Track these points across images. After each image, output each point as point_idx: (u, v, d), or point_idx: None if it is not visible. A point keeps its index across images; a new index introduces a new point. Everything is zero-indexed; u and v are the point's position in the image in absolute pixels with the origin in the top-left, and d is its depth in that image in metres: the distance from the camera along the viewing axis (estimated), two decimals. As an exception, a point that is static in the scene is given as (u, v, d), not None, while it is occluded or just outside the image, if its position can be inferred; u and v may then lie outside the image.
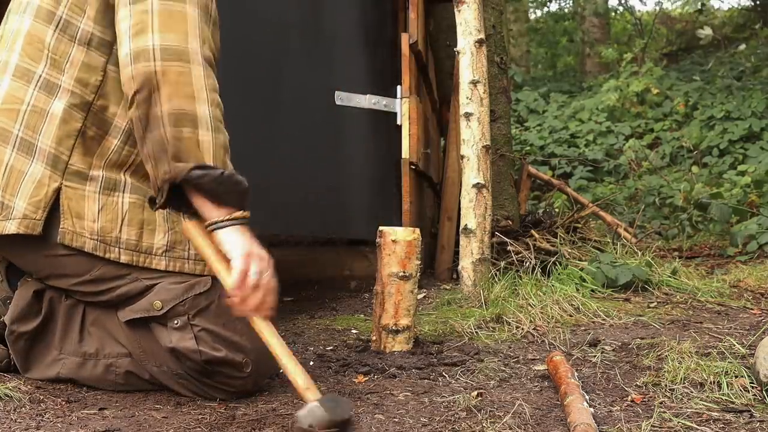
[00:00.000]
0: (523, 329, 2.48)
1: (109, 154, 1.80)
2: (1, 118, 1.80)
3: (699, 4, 10.37)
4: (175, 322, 1.77)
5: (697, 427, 1.53)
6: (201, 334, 1.77)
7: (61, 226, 1.75)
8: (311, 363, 2.14)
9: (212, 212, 1.64)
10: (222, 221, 1.64)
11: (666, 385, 1.80)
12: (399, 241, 2.21)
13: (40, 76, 1.80)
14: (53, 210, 1.76)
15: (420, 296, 3.09)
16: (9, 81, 1.83)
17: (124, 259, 1.77)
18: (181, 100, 1.64)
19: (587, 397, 1.69)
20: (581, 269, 3.08)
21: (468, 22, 3.26)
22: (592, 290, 2.98)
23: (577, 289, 2.87)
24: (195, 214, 1.68)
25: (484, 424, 1.56)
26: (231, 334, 1.79)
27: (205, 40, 1.72)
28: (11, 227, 1.74)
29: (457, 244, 3.47)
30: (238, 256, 1.61)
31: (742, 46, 10.84)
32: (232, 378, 1.80)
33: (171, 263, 1.80)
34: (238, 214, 1.65)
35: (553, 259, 3.17)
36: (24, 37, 1.84)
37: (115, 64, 1.79)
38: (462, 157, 3.24)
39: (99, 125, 1.80)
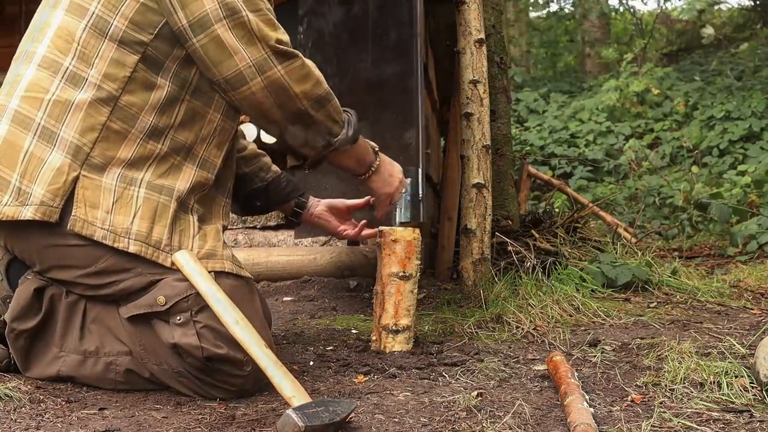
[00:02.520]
0: (523, 329, 2.48)
1: (132, 149, 1.82)
2: (24, 105, 1.82)
3: (699, 6, 10.38)
4: (178, 318, 1.78)
5: (697, 427, 1.53)
6: (203, 331, 1.77)
7: (72, 214, 1.76)
8: (311, 363, 2.14)
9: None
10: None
11: (666, 385, 1.80)
12: (399, 241, 2.21)
13: (67, 68, 1.82)
14: (68, 199, 1.77)
15: (420, 296, 3.09)
16: (35, 70, 1.85)
17: (132, 249, 1.78)
18: (313, 88, 1.89)
19: (587, 397, 1.69)
20: (581, 269, 3.08)
21: (468, 22, 3.26)
22: (592, 290, 2.98)
23: (577, 289, 2.87)
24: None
25: (484, 424, 1.56)
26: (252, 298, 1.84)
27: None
28: (27, 213, 1.75)
29: (457, 244, 3.47)
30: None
31: (744, 46, 10.85)
32: (233, 376, 1.80)
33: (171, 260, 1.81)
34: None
35: (553, 259, 3.17)
36: (54, 30, 1.86)
37: (146, 63, 1.82)
38: (462, 157, 3.24)
39: (124, 120, 1.82)
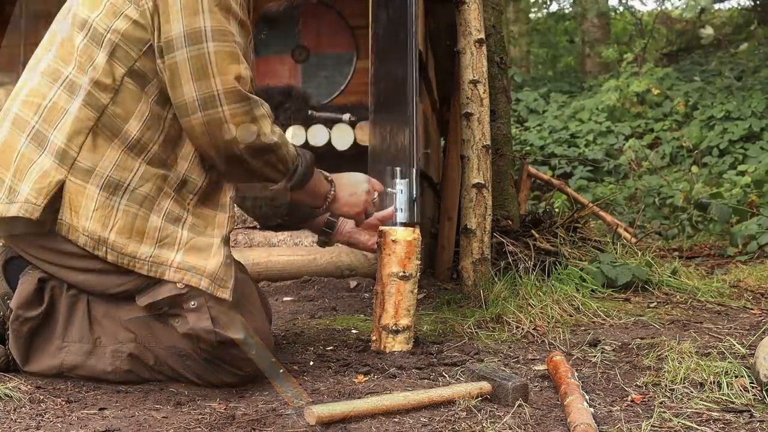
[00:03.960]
0: (523, 329, 2.48)
1: (116, 158, 1.85)
2: (23, 108, 1.88)
3: (699, 8, 10.37)
4: (192, 303, 1.82)
5: (697, 427, 1.53)
6: (216, 315, 1.82)
7: (59, 218, 1.80)
8: (311, 363, 2.14)
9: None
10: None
11: (666, 385, 1.81)
12: (399, 241, 2.21)
13: (67, 77, 1.87)
14: (52, 199, 1.80)
15: (420, 296, 3.09)
16: (38, 77, 1.90)
17: (110, 258, 1.81)
18: (253, 137, 1.85)
19: (587, 397, 1.69)
20: (581, 269, 3.08)
21: (468, 22, 3.26)
22: (592, 290, 2.98)
23: (577, 289, 2.87)
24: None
25: (484, 424, 1.56)
26: (241, 317, 1.86)
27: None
28: (13, 210, 1.79)
29: (457, 244, 3.47)
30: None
31: (743, 46, 10.84)
32: (241, 360, 1.85)
33: (153, 268, 1.82)
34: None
35: (553, 259, 3.17)
36: (60, 39, 1.92)
37: (133, 77, 1.85)
38: (462, 157, 3.24)
39: (110, 128, 1.85)
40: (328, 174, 2.16)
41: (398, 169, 2.30)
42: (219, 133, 1.82)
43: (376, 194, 2.23)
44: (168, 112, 1.88)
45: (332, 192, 2.13)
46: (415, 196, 2.28)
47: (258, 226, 3.84)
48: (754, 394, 1.71)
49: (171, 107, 1.88)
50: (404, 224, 2.26)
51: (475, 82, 3.22)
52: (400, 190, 2.27)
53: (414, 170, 2.30)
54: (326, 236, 2.38)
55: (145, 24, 1.84)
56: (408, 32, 2.67)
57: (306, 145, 4.18)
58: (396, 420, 1.62)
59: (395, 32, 2.76)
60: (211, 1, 1.81)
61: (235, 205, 2.28)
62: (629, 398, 1.75)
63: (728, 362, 1.90)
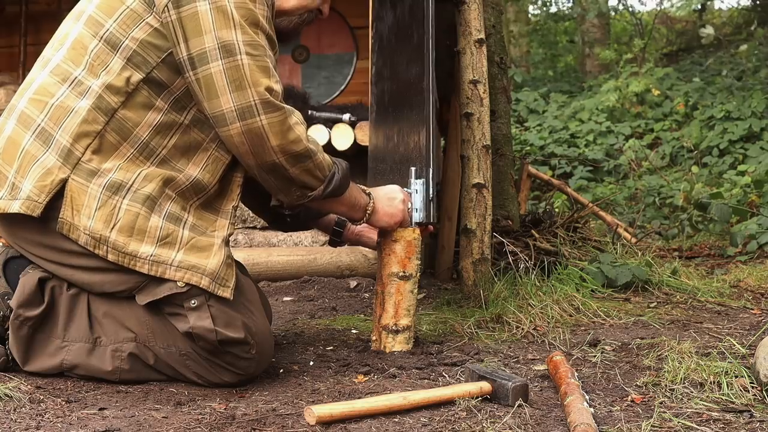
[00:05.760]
0: (523, 329, 2.48)
1: (122, 160, 1.86)
2: (30, 106, 1.89)
3: (699, 5, 10.35)
4: (193, 302, 1.83)
5: (697, 427, 1.54)
6: (217, 314, 1.83)
7: (60, 216, 1.81)
8: (311, 363, 2.14)
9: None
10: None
11: (666, 385, 1.81)
12: (399, 241, 2.21)
13: (76, 78, 1.88)
14: (54, 197, 1.81)
15: (420, 296, 3.09)
16: (46, 76, 1.91)
17: (110, 257, 1.82)
18: (291, 144, 1.87)
19: (587, 397, 1.69)
20: (581, 269, 3.08)
21: (468, 22, 3.26)
22: (592, 290, 2.98)
23: (577, 289, 2.87)
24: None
25: (484, 424, 1.56)
26: (242, 316, 1.87)
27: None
28: (15, 206, 1.81)
29: (457, 244, 3.47)
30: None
31: (743, 46, 10.83)
32: (239, 359, 1.87)
33: (154, 267, 1.83)
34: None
35: (553, 259, 3.17)
36: (71, 41, 1.92)
37: (149, 84, 1.86)
38: (462, 157, 3.24)
39: (119, 132, 1.86)
40: (365, 187, 2.16)
41: (413, 168, 2.30)
42: (258, 141, 1.85)
43: (410, 204, 2.23)
44: (185, 119, 1.90)
45: (371, 204, 2.13)
46: (431, 195, 2.28)
47: (258, 226, 3.84)
48: (754, 394, 1.71)
49: (188, 115, 1.90)
50: (419, 224, 2.26)
51: (475, 82, 3.22)
52: (416, 189, 2.27)
53: (431, 170, 2.31)
54: (337, 235, 2.38)
55: (166, 33, 1.85)
56: (424, 32, 2.66)
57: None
58: (396, 420, 1.62)
59: (403, 31, 2.76)
60: (241, 16, 1.83)
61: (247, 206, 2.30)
62: (629, 398, 1.75)
63: (728, 362, 1.90)
